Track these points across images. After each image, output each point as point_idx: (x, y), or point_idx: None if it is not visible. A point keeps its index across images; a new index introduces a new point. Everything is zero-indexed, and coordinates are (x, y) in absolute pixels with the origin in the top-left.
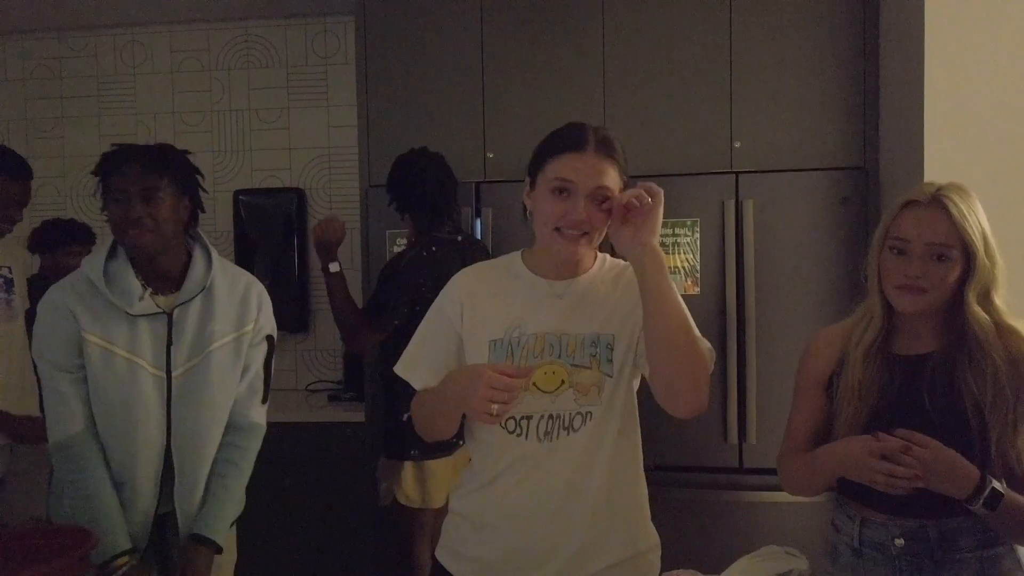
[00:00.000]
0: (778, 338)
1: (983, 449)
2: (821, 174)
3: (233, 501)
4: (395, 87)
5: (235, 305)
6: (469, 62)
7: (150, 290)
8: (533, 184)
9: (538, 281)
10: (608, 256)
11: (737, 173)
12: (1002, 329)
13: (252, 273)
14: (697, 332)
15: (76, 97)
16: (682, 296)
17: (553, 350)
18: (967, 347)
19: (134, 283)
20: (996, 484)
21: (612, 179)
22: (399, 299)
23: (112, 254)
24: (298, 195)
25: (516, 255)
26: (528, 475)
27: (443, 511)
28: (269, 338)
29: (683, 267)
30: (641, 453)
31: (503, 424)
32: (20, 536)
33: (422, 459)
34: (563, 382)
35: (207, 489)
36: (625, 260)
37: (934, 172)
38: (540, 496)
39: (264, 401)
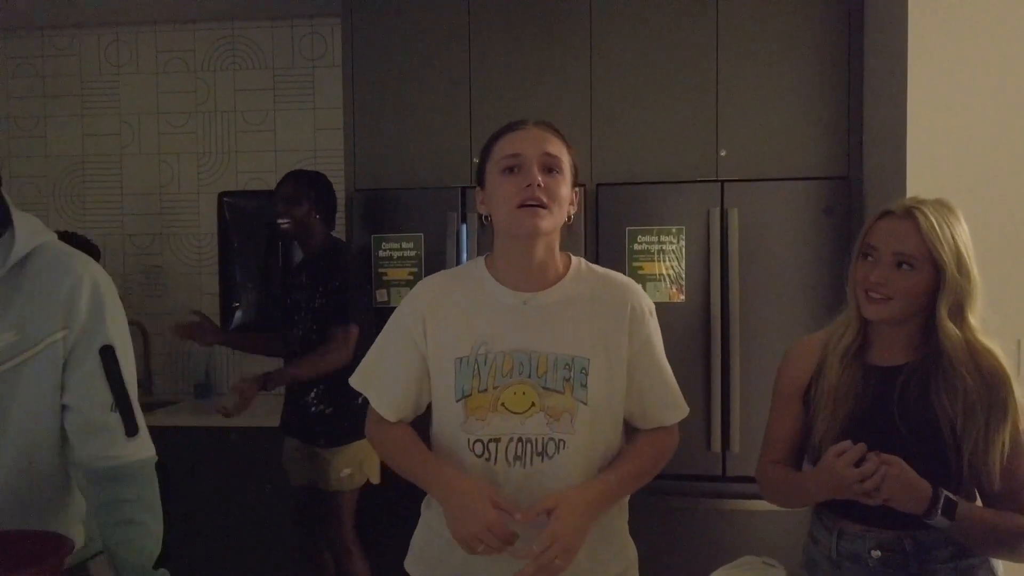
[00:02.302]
0: (762, 346)
1: (956, 463)
2: (805, 183)
3: (151, 560)
4: (381, 91)
5: (34, 307)
6: (456, 67)
7: None
8: (483, 184)
9: (504, 292)
10: (583, 261)
11: (722, 182)
12: (974, 347)
13: (235, 276)
14: (659, 452)
15: (59, 96)
16: (668, 304)
17: (523, 369)
18: (941, 362)
19: None
20: (948, 494)
21: (559, 148)
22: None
23: None
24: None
25: (480, 261)
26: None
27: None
28: (105, 349)
29: (668, 274)
30: None
31: (470, 446)
32: None
33: None
34: (533, 404)
35: (115, 566)
36: (602, 267)
37: (916, 183)
38: (512, 525)
39: (131, 433)
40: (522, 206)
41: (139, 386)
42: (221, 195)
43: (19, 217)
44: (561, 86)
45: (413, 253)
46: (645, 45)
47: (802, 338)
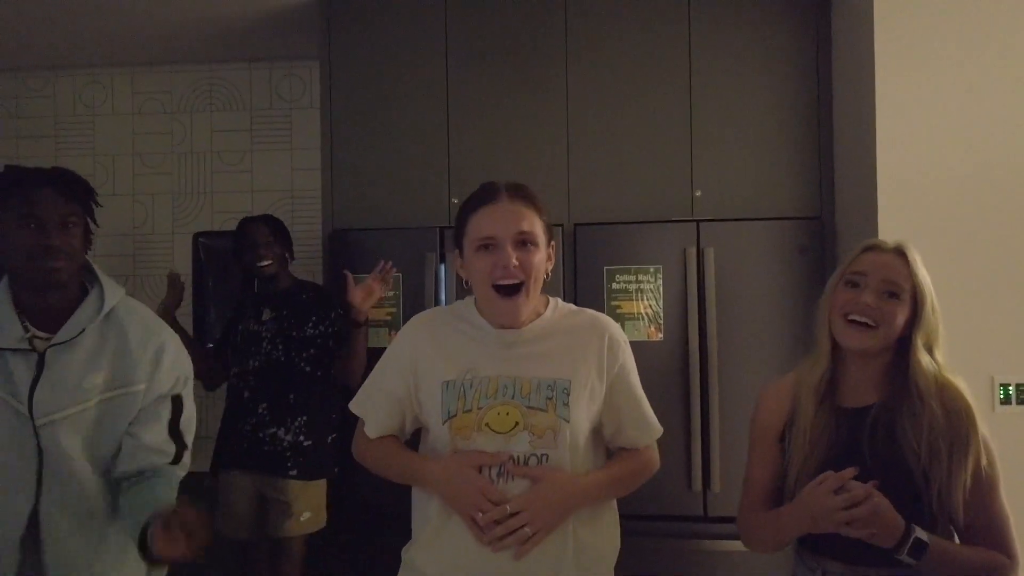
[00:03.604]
0: (741, 385)
1: (927, 500)
2: (779, 223)
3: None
4: (359, 132)
5: (127, 359)
6: (433, 108)
7: (29, 327)
8: (462, 253)
9: (490, 331)
10: (560, 301)
11: (698, 221)
12: (940, 382)
13: (210, 315)
14: (646, 464)
15: (32, 137)
16: (646, 343)
17: (507, 391)
18: (908, 398)
19: (10, 314)
20: (920, 534)
21: (534, 223)
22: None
23: None
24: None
25: (470, 301)
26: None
27: None
28: (175, 399)
29: (646, 314)
30: (615, 505)
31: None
32: None
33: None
34: (517, 423)
35: (127, 506)
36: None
37: (888, 222)
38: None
39: (175, 462)
40: (497, 286)
41: None
42: (196, 235)
43: (101, 274)
44: (538, 127)
45: (392, 293)
46: (620, 87)
47: (772, 381)
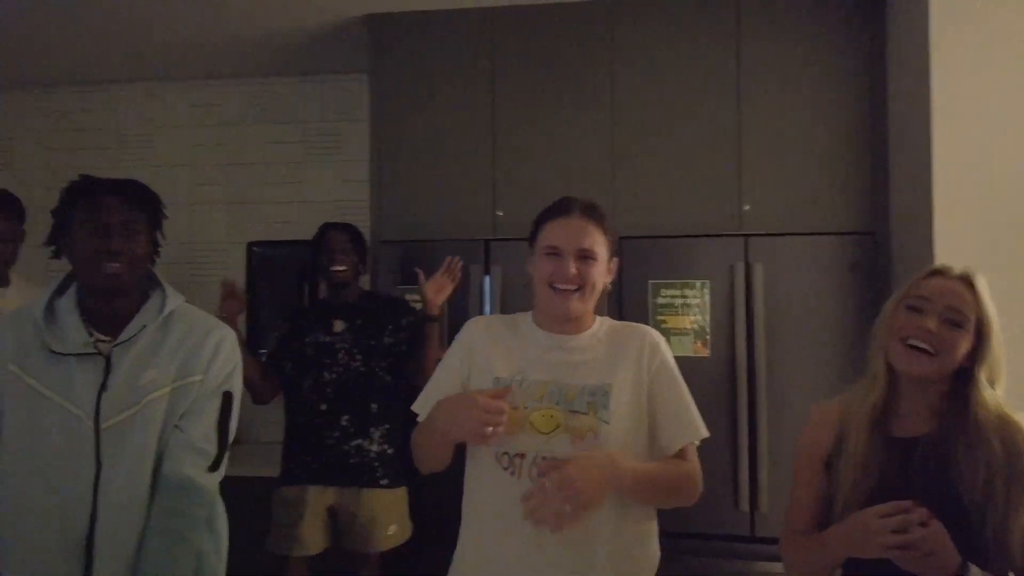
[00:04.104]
0: (790, 403)
1: (980, 539)
2: (831, 239)
3: None
4: (407, 145)
5: (184, 351)
6: (480, 121)
7: (93, 332)
8: (533, 251)
9: (542, 334)
10: (608, 319)
11: (746, 236)
12: (1003, 419)
13: (262, 322)
14: (687, 472)
15: (94, 149)
16: (691, 358)
17: (553, 396)
18: (964, 430)
19: (76, 320)
20: (976, 573)
21: (596, 240)
22: None
23: (60, 291)
24: (308, 247)
25: (528, 313)
26: (523, 519)
27: None
28: (226, 395)
29: (692, 328)
30: (654, 510)
31: (497, 458)
32: None
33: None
34: (558, 425)
35: (144, 570)
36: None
37: (943, 240)
38: (539, 539)
39: (213, 468)
40: (554, 286)
41: None
42: (249, 244)
43: (163, 282)
44: (583, 140)
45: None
46: (667, 99)
47: (820, 404)
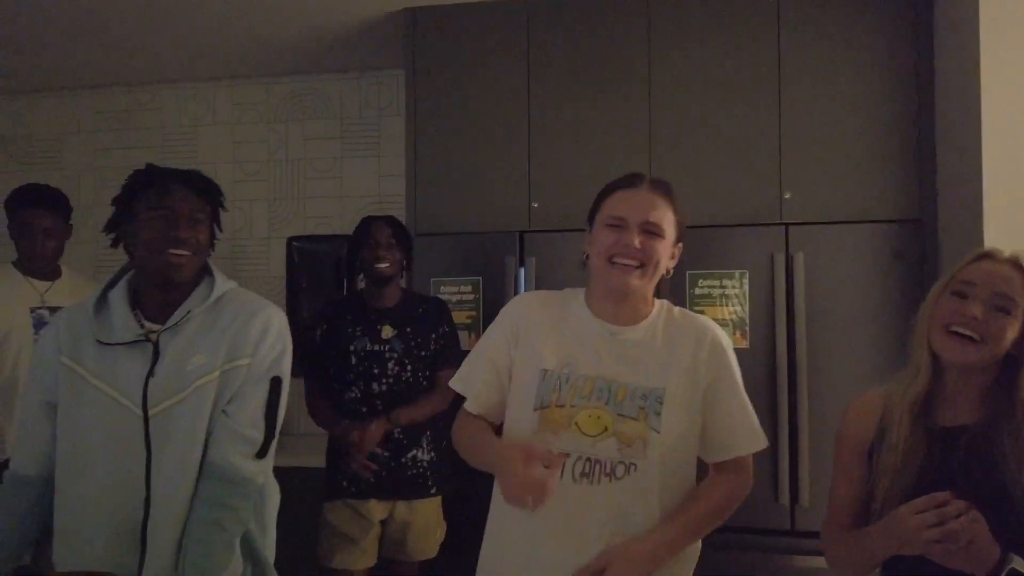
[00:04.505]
0: (831, 395)
1: (1021, 529)
2: (874, 227)
3: (222, 571)
4: (442, 138)
5: (231, 333)
6: (515, 113)
7: (143, 321)
8: (591, 225)
9: (595, 322)
10: (667, 304)
11: (787, 224)
12: None
13: (302, 317)
14: (731, 495)
15: (141, 147)
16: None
17: (601, 395)
18: (1011, 420)
19: (126, 310)
20: (1019, 564)
21: (664, 216)
22: None
23: (112, 284)
24: (348, 241)
25: (580, 291)
26: (564, 519)
27: None
28: (275, 380)
29: (731, 320)
30: None
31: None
32: None
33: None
34: (606, 428)
35: (186, 560)
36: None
37: (994, 227)
38: (576, 539)
39: (260, 455)
40: (613, 261)
41: None
42: (290, 239)
43: (215, 269)
44: (620, 130)
45: (472, 297)
46: (705, 86)
47: (862, 394)
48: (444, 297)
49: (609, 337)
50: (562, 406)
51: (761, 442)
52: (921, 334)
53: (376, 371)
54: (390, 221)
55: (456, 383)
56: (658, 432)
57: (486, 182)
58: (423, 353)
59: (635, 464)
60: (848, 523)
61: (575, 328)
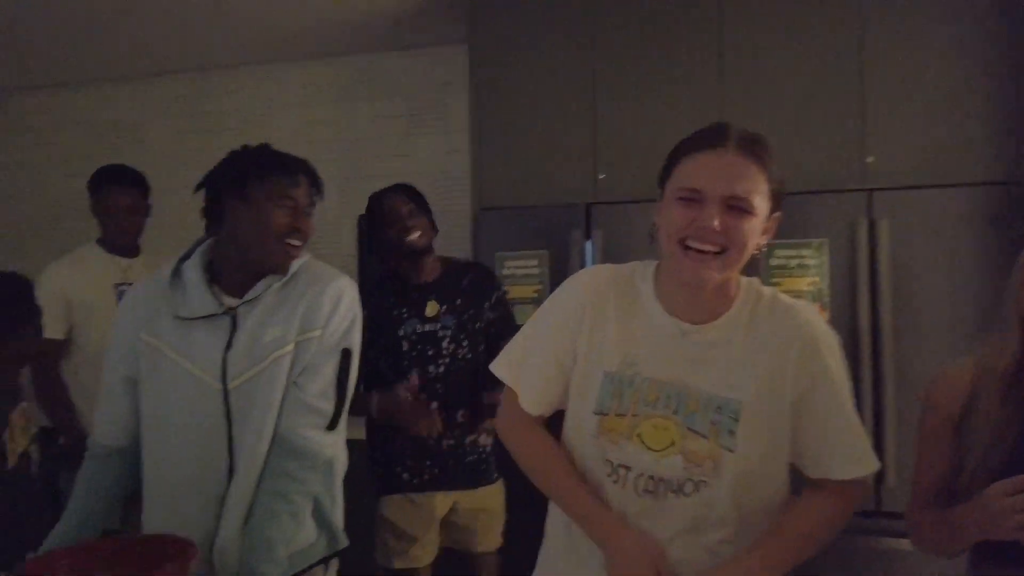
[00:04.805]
0: (918, 370)
1: None
2: (966, 190)
3: (286, 543)
4: (506, 110)
5: (304, 305)
6: (580, 83)
7: (220, 296)
8: (663, 194)
9: (663, 316)
10: (756, 288)
11: (870, 190)
12: None
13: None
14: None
15: (217, 131)
16: None
17: (669, 403)
18: None
19: (202, 285)
20: None
21: (756, 186)
22: None
23: (186, 256)
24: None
25: (648, 272)
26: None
27: None
28: (345, 352)
29: (810, 291)
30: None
31: (600, 463)
32: (128, 544)
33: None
34: (673, 443)
35: (252, 529)
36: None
37: None
38: None
39: (331, 427)
40: (687, 245)
41: None
42: (360, 218)
43: None
44: (688, 96)
45: (537, 271)
46: (780, 46)
47: (949, 364)
48: (508, 272)
49: (680, 336)
50: (623, 415)
51: (864, 467)
52: (1012, 300)
53: (431, 353)
54: (403, 189)
55: (503, 370)
56: (731, 452)
57: (551, 154)
58: (477, 325)
59: (704, 481)
60: (933, 500)
61: (641, 320)
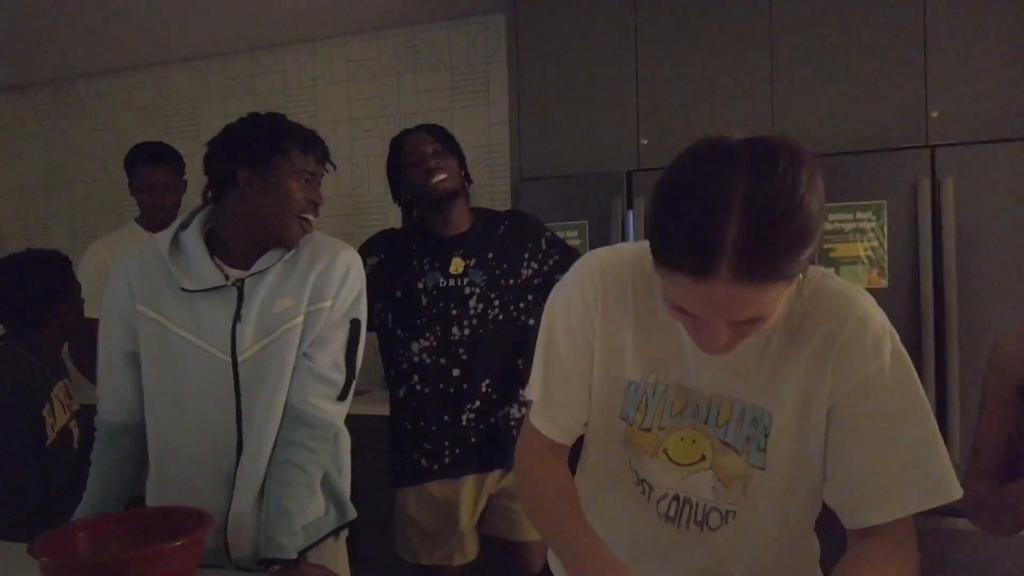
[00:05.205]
0: (984, 341)
1: None
2: None
3: (302, 514)
4: (545, 78)
5: (315, 276)
6: (622, 47)
7: (223, 267)
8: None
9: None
10: (813, 272)
11: (934, 147)
12: None
13: None
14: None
15: (266, 111)
16: (868, 290)
17: (698, 412)
18: None
19: (205, 256)
20: None
21: (767, 302)
22: None
23: (184, 225)
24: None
25: None
26: (653, 561)
27: None
28: (354, 322)
29: (867, 256)
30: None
31: (630, 468)
32: (146, 516)
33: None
34: (703, 457)
35: (268, 501)
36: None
37: None
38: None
39: (342, 398)
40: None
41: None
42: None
43: None
44: (736, 52)
45: (578, 241)
46: None
47: (1012, 330)
48: None
49: None
50: (648, 430)
51: (951, 491)
52: None
53: (455, 312)
54: (428, 128)
55: (538, 396)
56: (762, 470)
57: (591, 120)
58: (513, 281)
59: (733, 512)
60: (992, 472)
61: (663, 319)
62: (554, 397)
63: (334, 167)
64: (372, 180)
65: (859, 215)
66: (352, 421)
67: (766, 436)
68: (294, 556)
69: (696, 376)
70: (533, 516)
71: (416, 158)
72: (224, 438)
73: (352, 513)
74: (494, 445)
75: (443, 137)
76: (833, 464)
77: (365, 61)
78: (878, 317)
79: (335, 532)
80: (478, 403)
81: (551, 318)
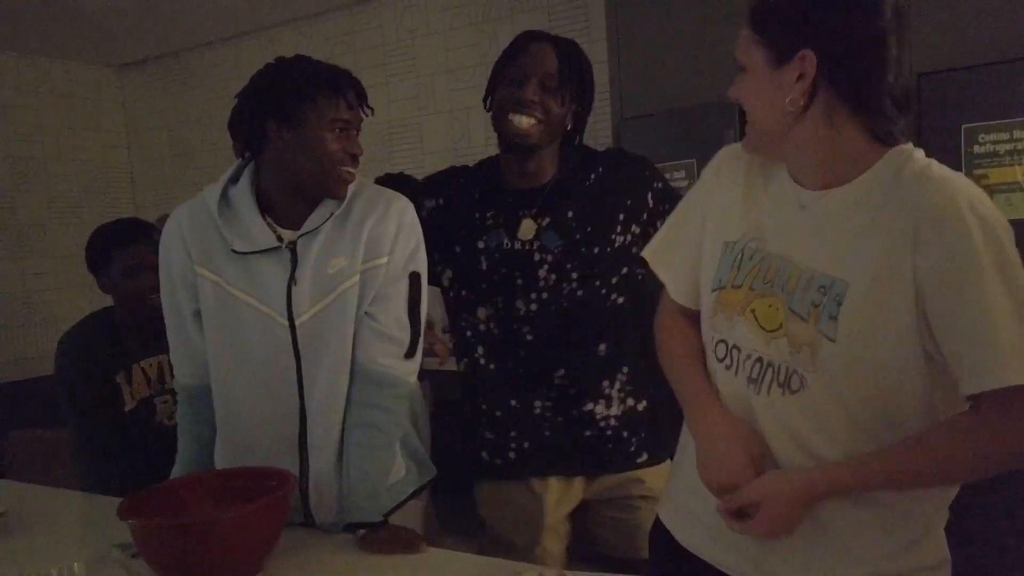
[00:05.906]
0: None
1: None
2: None
3: (384, 476)
4: (646, 10)
5: (367, 232)
6: None
7: (276, 227)
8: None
9: (789, 185)
10: (908, 155)
11: None
12: None
13: None
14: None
15: (367, 67)
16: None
17: (780, 279)
18: None
19: (256, 216)
20: None
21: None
22: None
23: (234, 179)
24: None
25: None
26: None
27: None
28: (413, 276)
29: None
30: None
31: (714, 345)
32: (229, 477)
33: None
34: (781, 325)
35: (349, 465)
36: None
37: None
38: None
39: (410, 354)
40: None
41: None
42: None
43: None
44: None
45: (685, 183)
46: None
47: None
48: None
49: (798, 207)
50: (739, 287)
51: (1006, 375)
52: None
53: (520, 282)
54: (556, 42)
55: (655, 261)
56: (832, 341)
57: (696, 47)
58: (599, 250)
59: (804, 377)
60: None
61: (768, 189)
62: (673, 260)
63: (371, 111)
64: (473, 134)
65: (1016, 134)
66: (431, 373)
67: (839, 305)
68: (380, 519)
69: (784, 244)
70: (667, 375)
71: (520, 76)
72: (286, 401)
73: (432, 471)
74: (578, 444)
75: (567, 65)
76: (931, 337)
77: (461, 7)
78: (974, 201)
79: (417, 492)
80: (551, 394)
81: (687, 197)
